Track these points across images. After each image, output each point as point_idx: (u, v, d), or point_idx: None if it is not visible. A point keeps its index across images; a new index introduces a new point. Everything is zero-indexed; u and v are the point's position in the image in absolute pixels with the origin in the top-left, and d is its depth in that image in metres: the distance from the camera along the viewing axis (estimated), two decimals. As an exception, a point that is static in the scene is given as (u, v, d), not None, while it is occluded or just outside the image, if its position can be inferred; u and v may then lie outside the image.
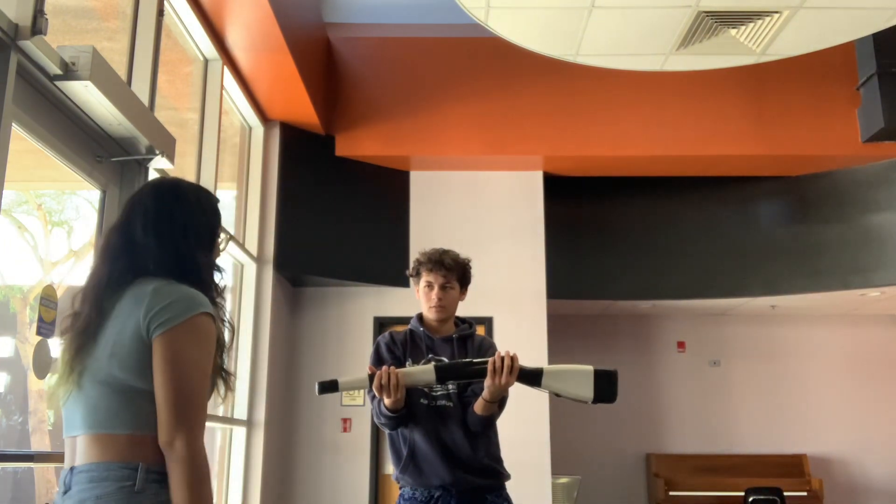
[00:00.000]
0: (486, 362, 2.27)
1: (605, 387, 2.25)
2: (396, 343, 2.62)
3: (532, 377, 2.27)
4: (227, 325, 1.63)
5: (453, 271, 2.63)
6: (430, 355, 2.58)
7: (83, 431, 1.45)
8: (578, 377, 2.27)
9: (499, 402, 2.40)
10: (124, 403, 1.43)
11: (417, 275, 2.67)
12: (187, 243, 1.57)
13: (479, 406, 2.38)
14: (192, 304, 1.47)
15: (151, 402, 1.42)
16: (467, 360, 2.28)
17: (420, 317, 2.70)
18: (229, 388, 1.61)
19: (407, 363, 2.56)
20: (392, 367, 2.24)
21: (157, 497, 1.39)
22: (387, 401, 2.29)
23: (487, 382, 2.27)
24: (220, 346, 1.56)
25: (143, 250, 1.54)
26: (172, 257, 1.54)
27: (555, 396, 2.34)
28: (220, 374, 1.57)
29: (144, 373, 1.43)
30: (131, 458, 1.40)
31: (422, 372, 2.25)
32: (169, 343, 1.43)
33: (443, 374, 2.24)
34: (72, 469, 1.43)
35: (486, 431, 2.51)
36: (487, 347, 2.66)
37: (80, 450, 1.44)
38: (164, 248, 1.54)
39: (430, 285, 2.62)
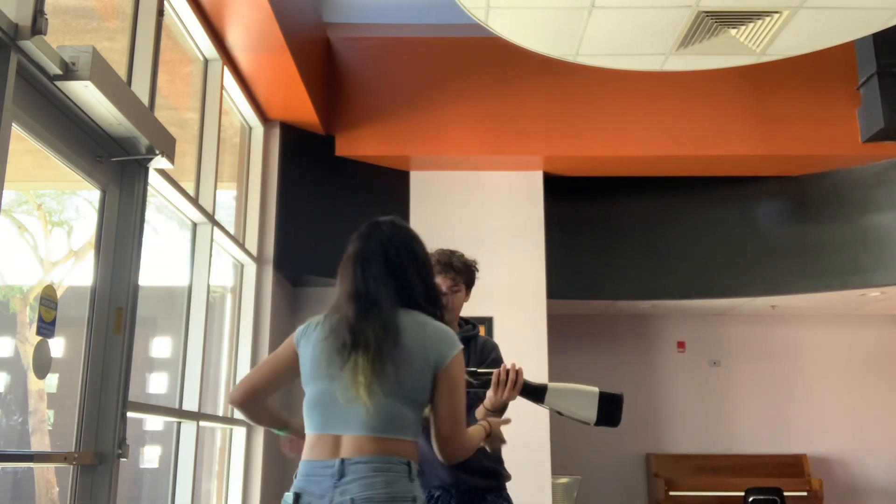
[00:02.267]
0: (490, 373, 2.23)
1: (609, 410, 2.22)
2: None
3: (536, 393, 2.24)
4: None
5: (461, 274, 2.64)
6: None
7: (362, 432, 1.81)
8: (583, 398, 2.24)
9: (499, 410, 2.37)
10: (405, 414, 1.83)
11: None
12: (430, 276, 2.07)
13: (479, 412, 2.37)
14: (457, 342, 1.91)
15: (418, 414, 1.86)
16: (471, 369, 2.23)
17: None
18: None
19: None
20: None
21: (419, 487, 1.84)
22: None
23: (490, 394, 2.24)
24: None
25: (405, 283, 1.97)
26: (425, 290, 1.99)
27: (556, 414, 2.31)
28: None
29: (423, 392, 1.85)
30: (405, 456, 1.82)
31: None
32: (451, 373, 1.87)
33: None
34: (343, 460, 1.82)
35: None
36: (490, 350, 2.64)
37: (354, 446, 1.81)
38: (420, 281, 2.00)
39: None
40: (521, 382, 2.23)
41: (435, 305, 1.99)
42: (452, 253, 2.66)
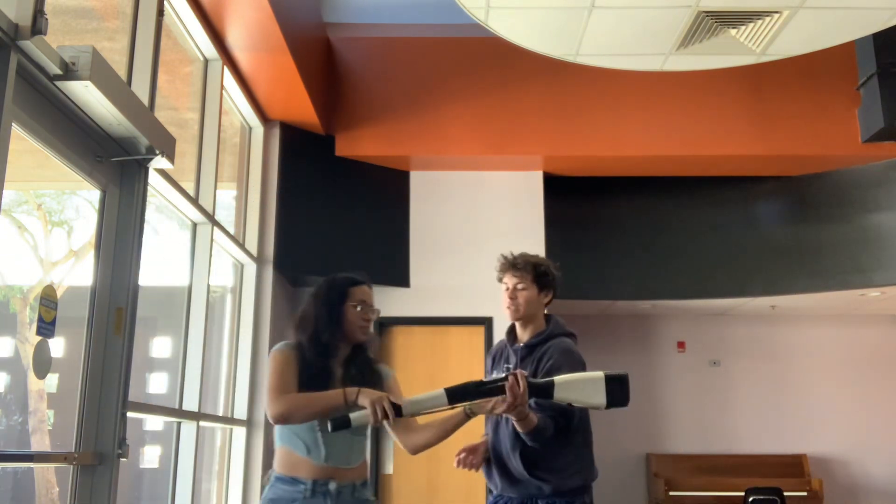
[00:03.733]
0: (497, 381, 2.22)
1: (618, 391, 2.24)
2: (493, 351, 2.79)
3: (544, 391, 2.25)
4: None
5: (525, 271, 2.67)
6: (505, 365, 2.67)
7: None
8: (590, 385, 2.25)
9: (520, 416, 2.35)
10: None
11: (501, 280, 2.75)
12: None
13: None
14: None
15: None
16: (478, 381, 2.22)
17: (512, 327, 2.77)
18: None
19: (494, 373, 2.67)
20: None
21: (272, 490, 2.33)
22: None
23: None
24: None
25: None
26: None
27: (568, 406, 2.33)
28: None
29: None
30: None
31: (430, 399, 2.17)
32: None
33: (454, 397, 2.17)
34: None
35: (540, 444, 2.47)
36: (548, 358, 2.60)
37: None
38: None
39: (505, 286, 2.70)
40: (523, 396, 2.21)
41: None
42: (521, 254, 2.75)
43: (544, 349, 2.63)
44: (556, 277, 2.75)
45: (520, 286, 2.66)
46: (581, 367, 2.58)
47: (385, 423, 2.20)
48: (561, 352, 2.61)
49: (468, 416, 2.27)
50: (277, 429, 2.35)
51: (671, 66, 4.67)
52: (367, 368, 2.41)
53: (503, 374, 2.23)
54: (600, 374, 2.27)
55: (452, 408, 2.20)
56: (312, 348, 2.36)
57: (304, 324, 2.42)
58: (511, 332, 2.77)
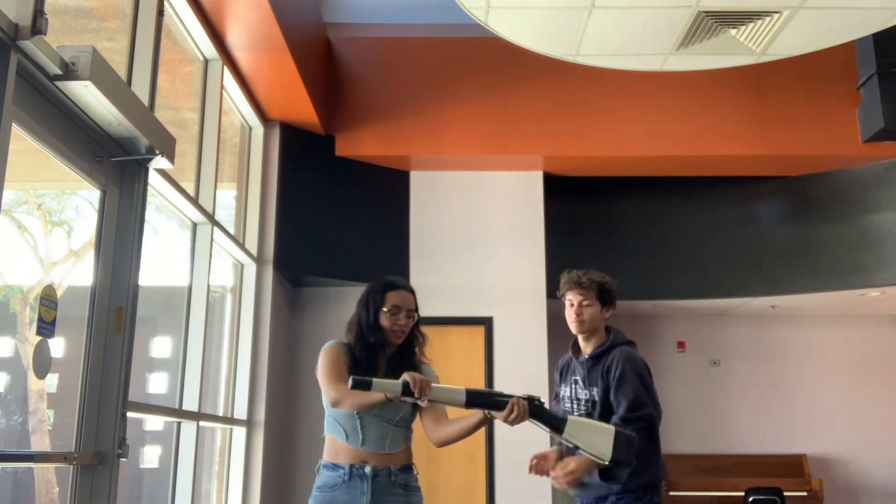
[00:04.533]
0: (508, 399, 2.29)
1: (623, 449, 2.32)
2: (559, 366, 2.97)
3: (556, 424, 2.33)
4: None
5: (590, 289, 2.85)
6: (572, 378, 2.86)
7: None
8: (599, 434, 2.34)
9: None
10: None
11: (563, 296, 2.93)
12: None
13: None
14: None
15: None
16: (497, 392, 2.33)
17: (575, 340, 2.95)
18: None
19: (561, 387, 2.88)
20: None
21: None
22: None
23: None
24: None
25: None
26: None
27: (573, 448, 2.39)
28: None
29: None
30: None
31: (451, 391, 2.26)
32: None
33: (472, 399, 2.27)
34: None
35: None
36: (616, 367, 2.75)
37: None
38: None
39: (570, 303, 2.87)
40: (519, 420, 2.29)
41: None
42: (585, 272, 2.91)
43: (609, 359, 2.79)
44: (615, 293, 2.92)
45: (585, 303, 2.85)
46: (645, 370, 2.79)
47: (419, 411, 2.46)
48: (625, 360, 2.78)
49: (488, 418, 2.34)
50: (325, 418, 2.54)
51: (671, 66, 4.67)
52: (410, 368, 2.50)
53: (522, 395, 2.31)
54: (612, 427, 2.38)
55: (466, 407, 2.28)
56: (358, 348, 2.54)
57: (351, 325, 2.60)
58: (574, 344, 2.96)
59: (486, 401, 2.29)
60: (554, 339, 5.86)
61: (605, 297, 2.87)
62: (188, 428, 4.01)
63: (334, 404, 2.42)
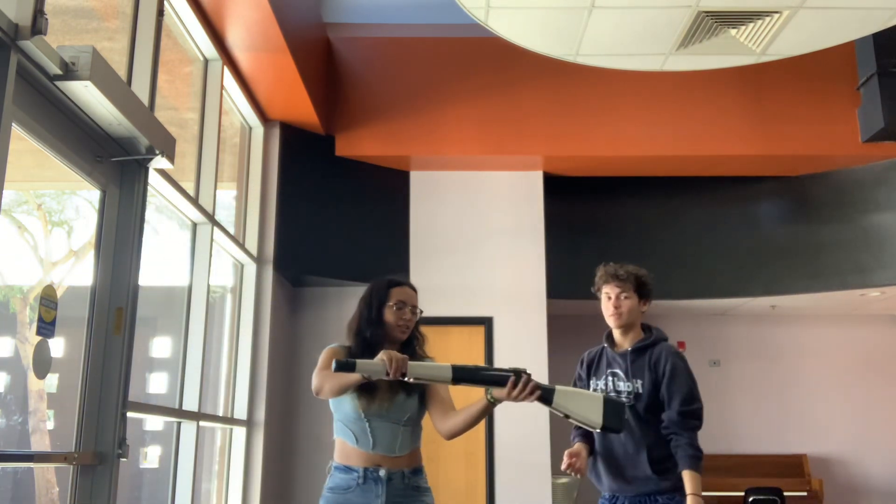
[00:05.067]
0: (504, 372, 2.26)
1: (613, 416, 2.32)
2: (586, 359, 2.93)
3: (545, 395, 2.31)
4: None
5: (628, 282, 2.83)
6: (608, 370, 2.81)
7: None
8: (588, 402, 2.34)
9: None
10: None
11: (599, 290, 2.89)
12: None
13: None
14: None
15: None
16: (485, 366, 2.34)
17: (609, 334, 2.91)
18: None
19: (591, 380, 2.84)
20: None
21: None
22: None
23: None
24: None
25: None
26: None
27: (563, 417, 2.37)
28: None
29: None
30: None
31: (436, 368, 2.25)
32: None
33: (459, 375, 2.24)
34: None
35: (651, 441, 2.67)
36: (665, 361, 2.75)
37: None
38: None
39: (608, 296, 2.84)
40: (525, 397, 2.27)
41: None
42: (621, 265, 2.89)
43: (656, 353, 2.78)
44: (652, 287, 2.91)
45: (623, 296, 2.82)
46: (689, 369, 2.79)
47: (427, 408, 2.49)
48: (674, 355, 2.79)
49: (491, 402, 2.32)
50: (334, 422, 2.56)
51: (671, 66, 4.68)
52: None
53: (508, 369, 2.28)
54: (600, 395, 2.40)
55: (453, 384, 2.26)
56: (358, 346, 2.54)
57: (352, 324, 2.62)
58: (609, 337, 2.92)
59: (474, 376, 2.27)
60: (554, 339, 5.87)
61: (642, 289, 2.87)
62: (188, 428, 4.01)
63: (316, 393, 2.44)
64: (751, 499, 6.65)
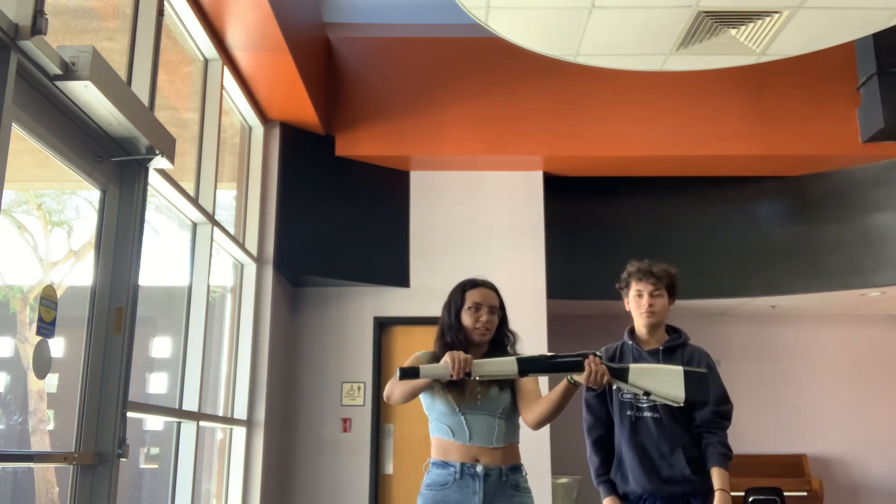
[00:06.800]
0: (575, 357, 2.21)
1: (696, 387, 2.20)
2: (605, 356, 2.77)
3: (620, 373, 2.22)
4: None
5: (662, 280, 2.78)
6: None
7: None
8: (667, 376, 2.22)
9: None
10: None
11: (627, 286, 2.83)
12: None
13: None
14: None
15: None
16: (552, 353, 2.25)
17: (631, 330, 2.85)
18: None
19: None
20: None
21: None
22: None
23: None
24: None
25: None
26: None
27: (643, 396, 2.29)
28: None
29: None
30: None
31: (502, 363, 2.21)
32: None
33: (525, 367, 2.20)
34: None
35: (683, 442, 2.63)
36: (698, 361, 2.72)
37: None
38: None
39: (639, 293, 2.78)
40: (601, 377, 2.20)
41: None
42: (653, 263, 2.85)
43: (688, 352, 2.76)
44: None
45: (656, 293, 2.77)
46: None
47: (517, 401, 2.45)
48: (706, 356, 2.78)
49: (573, 384, 2.27)
50: (429, 423, 2.56)
51: (671, 66, 4.68)
52: None
53: (576, 353, 2.23)
54: (679, 367, 2.25)
55: (520, 376, 2.23)
56: (442, 351, 2.49)
57: (439, 331, 2.63)
58: (632, 334, 2.86)
59: (541, 365, 2.21)
60: (554, 339, 5.87)
61: (672, 289, 2.82)
62: (188, 428, 4.01)
63: (387, 399, 2.45)
64: (751, 499, 6.65)
